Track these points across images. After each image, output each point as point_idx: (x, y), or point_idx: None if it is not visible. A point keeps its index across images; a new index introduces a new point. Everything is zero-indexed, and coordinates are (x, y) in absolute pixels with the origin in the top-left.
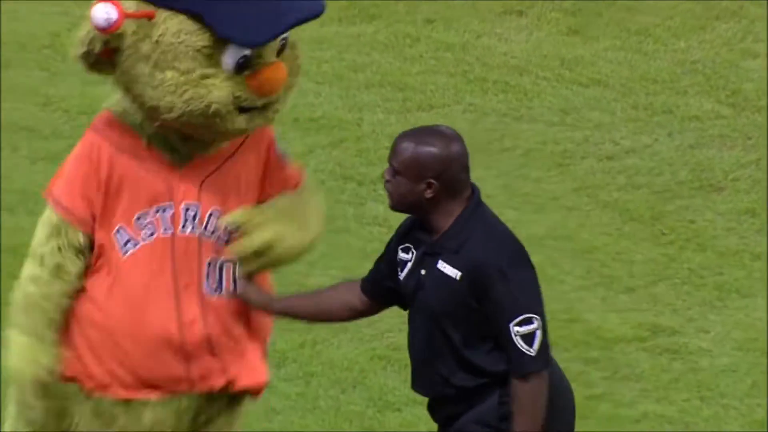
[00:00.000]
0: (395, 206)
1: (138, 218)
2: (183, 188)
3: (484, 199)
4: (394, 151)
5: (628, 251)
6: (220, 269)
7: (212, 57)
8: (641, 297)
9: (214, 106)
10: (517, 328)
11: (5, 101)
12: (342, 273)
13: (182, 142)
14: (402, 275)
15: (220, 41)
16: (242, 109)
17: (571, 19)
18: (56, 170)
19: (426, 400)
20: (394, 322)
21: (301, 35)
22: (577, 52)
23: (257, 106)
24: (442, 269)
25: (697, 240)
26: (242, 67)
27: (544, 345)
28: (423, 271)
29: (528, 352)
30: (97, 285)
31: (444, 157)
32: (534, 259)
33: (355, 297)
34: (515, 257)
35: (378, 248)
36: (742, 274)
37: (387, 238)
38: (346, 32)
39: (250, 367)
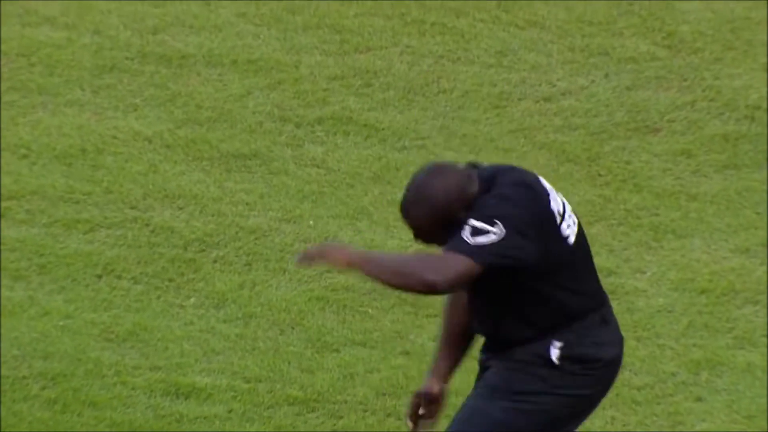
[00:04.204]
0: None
1: None
2: None
3: (420, 141)
4: (401, 207)
5: (564, 192)
6: None
7: None
8: None
9: None
10: (473, 221)
11: None
12: (280, 214)
13: None
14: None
15: None
16: None
17: None
18: None
19: (364, 340)
20: None
21: None
22: None
23: None
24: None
25: (634, 181)
26: None
27: (487, 248)
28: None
29: (467, 238)
30: None
31: (447, 190)
32: None
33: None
34: (510, 183)
35: (316, 190)
36: (678, 215)
37: (325, 179)
38: None
39: None
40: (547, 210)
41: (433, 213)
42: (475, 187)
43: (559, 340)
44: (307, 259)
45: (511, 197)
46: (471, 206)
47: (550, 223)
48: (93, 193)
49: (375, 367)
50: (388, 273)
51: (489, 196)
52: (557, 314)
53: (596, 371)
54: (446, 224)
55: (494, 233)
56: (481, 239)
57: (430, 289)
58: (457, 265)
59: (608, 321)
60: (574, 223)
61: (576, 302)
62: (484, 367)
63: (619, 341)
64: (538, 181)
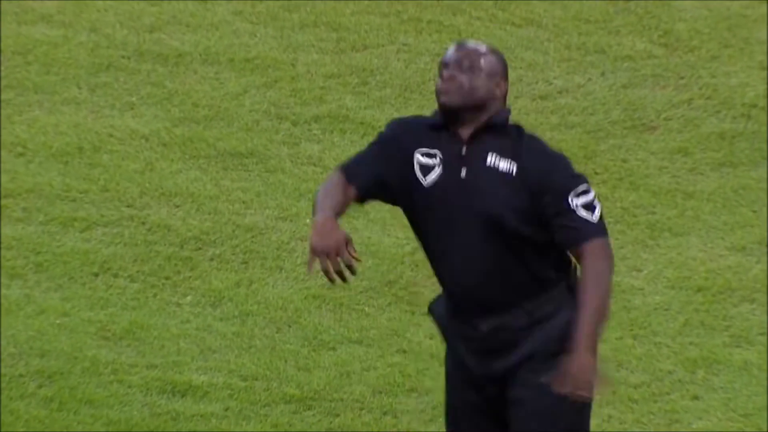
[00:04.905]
0: (461, 101)
1: None
2: None
3: None
4: (468, 52)
5: None
6: None
7: None
8: None
9: None
10: (576, 200)
11: None
12: (276, 212)
13: None
14: (428, 180)
15: None
16: None
17: None
18: None
19: (360, 338)
20: None
21: None
22: None
23: None
24: (490, 164)
25: (630, 179)
26: None
27: (603, 214)
28: (463, 172)
29: (592, 219)
30: None
31: (506, 62)
32: None
33: (343, 192)
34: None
35: (312, 188)
36: (674, 213)
37: (321, 177)
38: None
39: None
40: None
41: (504, 62)
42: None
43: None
44: (584, 396)
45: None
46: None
47: None
48: (90, 192)
49: (371, 365)
50: (607, 300)
51: (558, 169)
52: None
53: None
54: (499, 79)
55: (596, 201)
56: (597, 213)
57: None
58: (610, 249)
59: None
60: None
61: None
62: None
63: None
64: None
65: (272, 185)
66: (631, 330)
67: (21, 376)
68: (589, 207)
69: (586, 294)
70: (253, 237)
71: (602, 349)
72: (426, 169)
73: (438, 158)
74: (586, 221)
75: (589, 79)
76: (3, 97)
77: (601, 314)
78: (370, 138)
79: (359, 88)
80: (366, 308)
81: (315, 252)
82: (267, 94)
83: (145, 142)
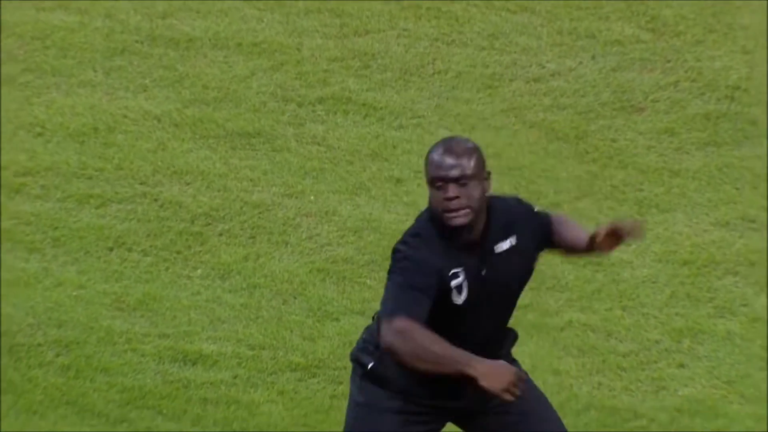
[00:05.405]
0: (474, 216)
1: None
2: None
3: (416, 120)
4: (448, 166)
5: (553, 169)
6: None
7: None
8: (566, 212)
9: None
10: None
11: None
12: (283, 189)
13: None
14: (462, 296)
15: None
16: None
17: None
18: (10, 93)
19: (362, 309)
20: (332, 236)
21: None
22: None
23: None
24: (499, 251)
25: (619, 158)
26: None
27: None
28: (483, 272)
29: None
30: None
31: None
32: None
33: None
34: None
35: (317, 167)
36: (661, 190)
37: (327, 156)
38: None
39: None
40: None
41: (478, 161)
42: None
43: None
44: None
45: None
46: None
47: None
48: (104, 170)
49: None
50: None
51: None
52: None
53: None
54: (484, 192)
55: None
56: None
57: None
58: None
59: None
60: None
61: None
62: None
63: None
64: None
65: (278, 164)
66: (620, 301)
67: (39, 345)
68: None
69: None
70: (260, 213)
71: (593, 319)
72: (458, 290)
73: (463, 275)
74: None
75: (580, 63)
76: (22, 79)
77: None
78: (372, 119)
79: (361, 72)
80: (368, 281)
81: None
82: (273, 76)
83: (158, 123)
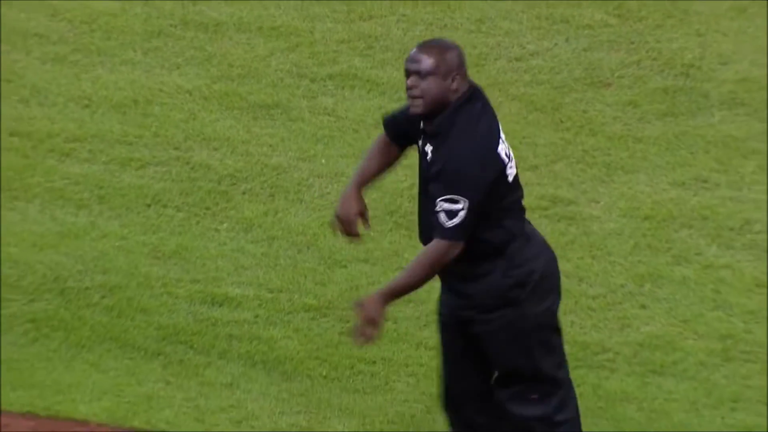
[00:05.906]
0: (426, 108)
1: None
2: None
3: None
4: (417, 59)
5: (532, 136)
6: None
7: None
8: (543, 173)
9: None
10: (443, 203)
11: (21, 12)
12: (297, 154)
13: None
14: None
15: None
16: None
17: None
18: (61, 70)
19: (367, 257)
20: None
21: None
22: None
23: None
24: (428, 151)
25: (589, 126)
26: None
27: (462, 225)
28: (428, 154)
29: (444, 223)
30: None
31: (459, 52)
32: None
33: (388, 144)
34: (474, 156)
35: (327, 134)
36: (626, 154)
37: (336, 125)
38: None
39: None
40: (499, 161)
41: (440, 61)
42: (464, 88)
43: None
44: (362, 337)
45: (472, 158)
46: (454, 106)
47: (501, 171)
48: (143, 137)
49: (376, 280)
50: (416, 279)
51: (455, 155)
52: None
53: (536, 283)
54: (442, 89)
55: (461, 208)
56: (455, 220)
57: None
58: (441, 254)
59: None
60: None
61: (502, 234)
62: (458, 329)
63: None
64: (496, 130)
65: (294, 132)
66: (590, 251)
67: (87, 288)
68: (452, 214)
69: (410, 263)
70: (278, 174)
71: (566, 267)
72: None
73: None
74: (441, 224)
75: (556, 44)
76: (71, 58)
77: (409, 280)
78: (375, 93)
79: (366, 52)
80: (371, 233)
81: (335, 216)
82: (289, 56)
83: (189, 96)
